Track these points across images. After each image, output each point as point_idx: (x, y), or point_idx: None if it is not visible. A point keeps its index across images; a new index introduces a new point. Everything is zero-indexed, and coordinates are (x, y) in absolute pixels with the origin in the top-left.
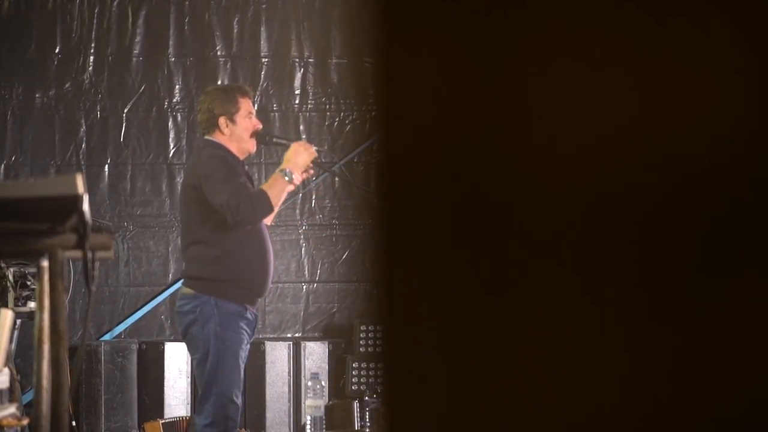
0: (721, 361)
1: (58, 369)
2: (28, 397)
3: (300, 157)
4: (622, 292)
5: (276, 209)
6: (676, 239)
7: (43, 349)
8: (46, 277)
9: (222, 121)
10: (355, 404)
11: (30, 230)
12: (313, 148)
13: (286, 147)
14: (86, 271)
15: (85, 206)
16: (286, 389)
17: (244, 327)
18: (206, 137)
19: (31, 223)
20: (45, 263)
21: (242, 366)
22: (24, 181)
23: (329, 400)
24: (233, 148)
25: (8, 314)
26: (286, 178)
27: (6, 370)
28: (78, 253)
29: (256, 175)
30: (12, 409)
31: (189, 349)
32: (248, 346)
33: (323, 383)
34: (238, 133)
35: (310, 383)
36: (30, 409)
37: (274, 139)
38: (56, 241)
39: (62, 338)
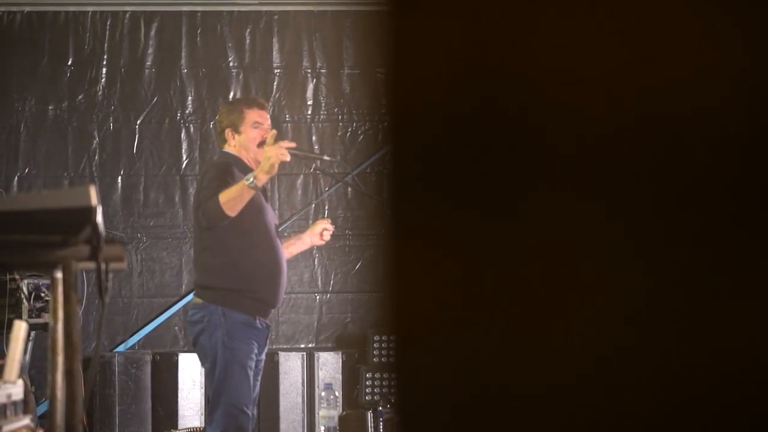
0: (741, 283)
1: (72, 380)
2: (43, 408)
3: (268, 170)
4: (641, 220)
5: (233, 214)
6: (696, 164)
7: (56, 360)
8: (59, 288)
9: (228, 132)
10: (369, 414)
11: (43, 242)
12: (284, 148)
13: (299, 158)
14: (99, 282)
15: (99, 218)
16: (300, 400)
17: (253, 337)
18: (220, 150)
19: (44, 234)
20: (59, 275)
21: (252, 376)
22: (37, 193)
23: (343, 410)
24: (244, 157)
25: (22, 326)
26: (247, 183)
27: (20, 382)
28: (91, 265)
29: (269, 184)
30: (26, 420)
31: (199, 358)
32: (263, 357)
33: (337, 393)
34: (244, 143)
35: (323, 393)
36: (44, 420)
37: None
38: (70, 253)
39: (76, 349)
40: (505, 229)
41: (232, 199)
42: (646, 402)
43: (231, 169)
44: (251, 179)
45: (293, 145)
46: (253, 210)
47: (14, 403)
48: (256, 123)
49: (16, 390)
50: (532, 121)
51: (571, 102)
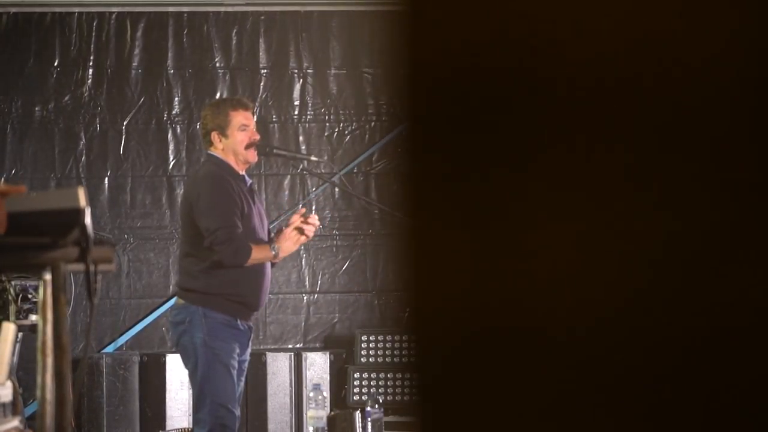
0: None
1: (62, 382)
2: (30, 409)
3: (288, 245)
4: (659, 170)
5: (248, 264)
6: (715, 114)
7: (46, 362)
8: (48, 290)
9: (214, 136)
10: (357, 415)
11: (32, 244)
12: (303, 238)
13: (286, 158)
14: (88, 284)
15: (88, 219)
16: (288, 400)
17: (234, 337)
18: (207, 152)
19: (33, 236)
20: (48, 276)
21: (235, 375)
22: (26, 195)
23: (331, 410)
24: (231, 161)
25: (10, 328)
26: (273, 252)
27: (9, 384)
28: (80, 266)
29: (256, 185)
30: (15, 422)
31: (182, 359)
32: (246, 357)
33: (325, 394)
34: (232, 146)
35: (312, 394)
36: (32, 422)
37: (275, 151)
38: (58, 255)
39: (65, 351)
40: (519, 198)
41: (257, 259)
42: (662, 345)
43: (228, 182)
44: (276, 251)
45: (317, 225)
46: (241, 218)
47: (3, 405)
48: (243, 126)
49: (5, 392)
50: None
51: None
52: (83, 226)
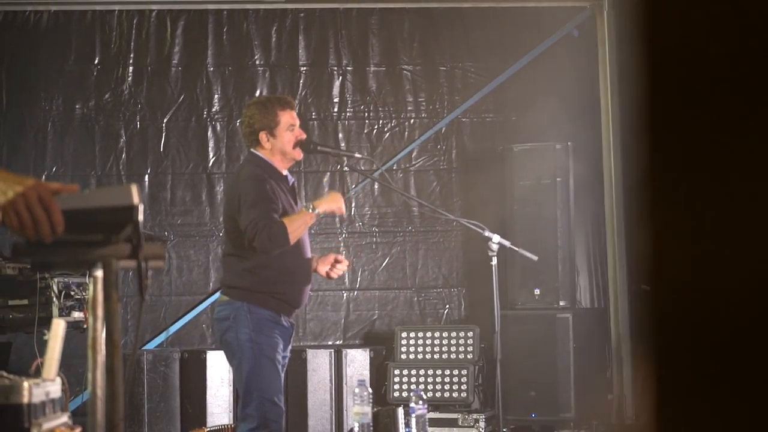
0: None
1: (113, 378)
2: (73, 405)
3: (329, 205)
4: None
5: (293, 241)
6: None
7: (96, 358)
8: (99, 286)
9: (262, 136)
10: (400, 411)
11: (85, 241)
12: (342, 205)
13: (329, 155)
14: (140, 280)
15: (140, 217)
16: (328, 396)
17: (279, 333)
18: (251, 150)
19: (86, 233)
20: (99, 273)
21: (281, 370)
22: (79, 193)
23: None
24: (276, 160)
25: (60, 324)
26: (310, 210)
27: (58, 380)
28: (129, 263)
29: (296, 182)
30: (64, 418)
31: (226, 355)
32: (288, 353)
33: (370, 390)
34: (280, 146)
35: (357, 390)
36: (75, 417)
37: (318, 147)
38: (110, 251)
39: (117, 347)
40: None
41: (297, 228)
42: None
43: (270, 183)
44: (314, 208)
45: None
46: (280, 216)
47: (53, 401)
48: (291, 125)
49: (55, 387)
50: None
51: None
52: (136, 223)
